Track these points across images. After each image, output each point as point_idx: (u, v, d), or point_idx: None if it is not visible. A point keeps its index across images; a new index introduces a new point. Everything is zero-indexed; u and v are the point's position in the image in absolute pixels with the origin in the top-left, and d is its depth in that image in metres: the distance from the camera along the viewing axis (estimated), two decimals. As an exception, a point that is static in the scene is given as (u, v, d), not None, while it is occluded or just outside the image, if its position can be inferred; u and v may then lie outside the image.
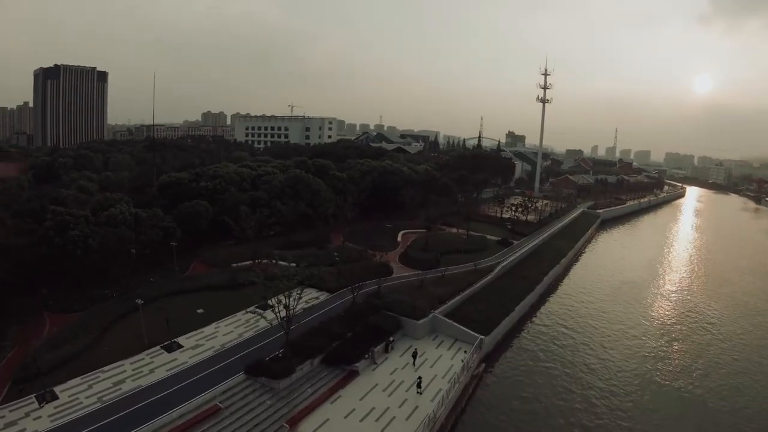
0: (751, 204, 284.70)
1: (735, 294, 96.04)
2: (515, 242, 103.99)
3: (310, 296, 63.96)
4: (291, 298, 46.00)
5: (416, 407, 44.18)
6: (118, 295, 59.72)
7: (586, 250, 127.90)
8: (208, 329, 53.74)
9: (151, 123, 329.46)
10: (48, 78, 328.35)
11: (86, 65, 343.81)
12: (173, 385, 42.15)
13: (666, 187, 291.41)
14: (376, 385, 47.34)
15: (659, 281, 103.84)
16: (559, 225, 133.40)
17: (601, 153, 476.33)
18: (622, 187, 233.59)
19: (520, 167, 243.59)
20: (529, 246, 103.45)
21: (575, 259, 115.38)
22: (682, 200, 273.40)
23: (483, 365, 56.51)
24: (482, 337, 57.43)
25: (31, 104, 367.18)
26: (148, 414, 37.76)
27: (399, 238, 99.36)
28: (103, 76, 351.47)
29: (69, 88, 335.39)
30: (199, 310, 57.66)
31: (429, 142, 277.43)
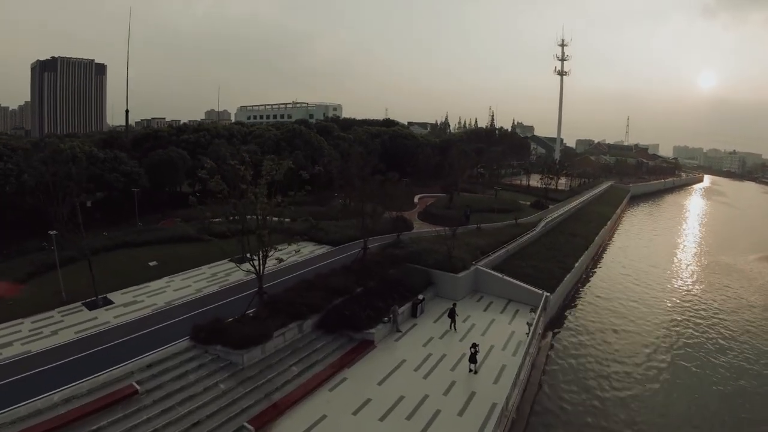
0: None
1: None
2: (550, 206, 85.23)
3: (307, 249, 46.01)
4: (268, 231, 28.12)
5: (473, 393, 25.64)
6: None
7: (624, 220, 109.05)
8: (157, 283, 35.80)
9: (152, 118, 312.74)
10: (45, 71, 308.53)
11: (84, 57, 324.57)
12: (76, 353, 24.74)
13: (683, 174, 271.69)
14: (404, 361, 28.92)
15: (719, 248, 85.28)
16: (592, 193, 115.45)
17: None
18: (642, 169, 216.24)
19: (533, 152, 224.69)
20: (567, 209, 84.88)
21: (617, 226, 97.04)
22: (701, 184, 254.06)
23: (550, 334, 38.15)
24: (547, 294, 38.89)
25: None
26: (16, 394, 20.84)
27: (416, 200, 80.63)
28: (101, 68, 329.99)
29: (66, 81, 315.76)
30: (152, 263, 39.96)
31: (439, 124, 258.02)
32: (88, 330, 27.52)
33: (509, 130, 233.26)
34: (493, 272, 41.90)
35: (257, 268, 28.57)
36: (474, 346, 27.71)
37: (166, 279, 36.93)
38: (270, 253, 28.41)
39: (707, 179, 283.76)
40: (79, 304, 31.34)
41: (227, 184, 28.24)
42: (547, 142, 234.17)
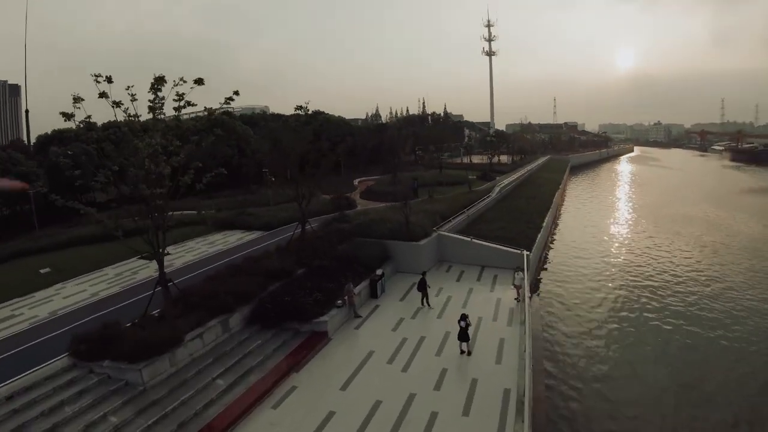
0: (697, 153, 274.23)
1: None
2: (497, 177, 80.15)
3: (234, 237, 38.35)
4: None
5: (474, 381, 18.64)
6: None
7: (571, 187, 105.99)
8: (44, 293, 27.91)
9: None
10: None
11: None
12: None
13: (615, 146, 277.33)
14: (371, 353, 21.48)
15: (674, 201, 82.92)
16: (535, 164, 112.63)
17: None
18: (575, 143, 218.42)
19: (467, 135, 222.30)
20: (515, 177, 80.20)
21: (565, 191, 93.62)
22: (632, 154, 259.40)
23: (536, 297, 32.60)
24: (527, 252, 32.79)
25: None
26: None
27: (356, 183, 73.61)
28: (15, 89, 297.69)
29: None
30: (44, 270, 32.17)
31: (370, 116, 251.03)
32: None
33: (441, 115, 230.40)
34: (460, 237, 35.28)
35: (155, 246, 20.56)
36: (464, 318, 20.70)
37: (57, 286, 29.06)
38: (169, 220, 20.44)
39: (637, 149, 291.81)
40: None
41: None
42: (480, 127, 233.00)
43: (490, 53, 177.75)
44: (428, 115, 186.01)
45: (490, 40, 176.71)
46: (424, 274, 27.08)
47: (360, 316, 25.45)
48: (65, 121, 19.95)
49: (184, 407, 17.19)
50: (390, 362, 20.59)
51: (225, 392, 18.23)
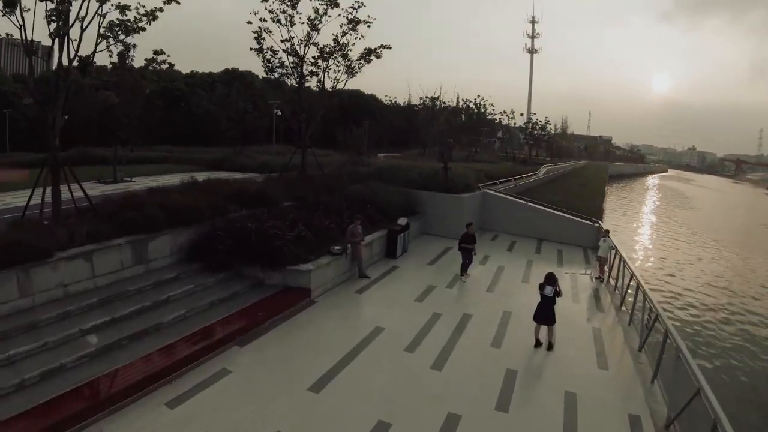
0: (731, 180, 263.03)
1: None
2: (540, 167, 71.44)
3: (220, 174, 29.98)
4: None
5: (570, 397, 9.39)
6: None
7: (613, 192, 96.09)
8: None
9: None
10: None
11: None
12: None
13: (650, 164, 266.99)
14: (379, 332, 12.19)
15: (724, 214, 75.54)
16: (574, 163, 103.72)
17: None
18: (610, 155, 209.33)
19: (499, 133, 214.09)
20: (559, 166, 71.27)
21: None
22: (667, 174, 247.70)
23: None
24: (597, 223, 23.64)
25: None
26: None
27: (380, 156, 65.06)
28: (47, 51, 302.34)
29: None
30: None
31: (403, 104, 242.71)
32: None
33: (476, 107, 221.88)
34: (513, 198, 26.16)
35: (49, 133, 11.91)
36: (551, 281, 11.78)
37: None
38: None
39: (670, 171, 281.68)
40: None
41: None
42: (512, 129, 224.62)
43: (531, 50, 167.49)
44: (461, 108, 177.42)
45: (533, 36, 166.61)
46: (469, 225, 17.78)
47: (367, 277, 16.45)
48: None
49: (7, 371, 8.48)
50: (410, 350, 11.43)
51: (93, 359, 9.41)
